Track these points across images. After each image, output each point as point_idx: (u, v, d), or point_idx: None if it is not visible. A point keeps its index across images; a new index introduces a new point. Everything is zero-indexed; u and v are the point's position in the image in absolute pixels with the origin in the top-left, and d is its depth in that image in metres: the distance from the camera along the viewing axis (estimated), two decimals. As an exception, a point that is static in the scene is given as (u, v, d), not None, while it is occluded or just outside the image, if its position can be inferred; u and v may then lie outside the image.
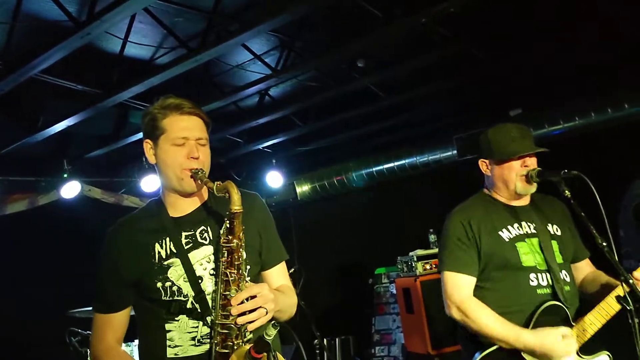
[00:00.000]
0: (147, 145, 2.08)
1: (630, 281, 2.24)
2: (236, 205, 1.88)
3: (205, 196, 2.13)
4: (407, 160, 6.90)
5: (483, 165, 2.76)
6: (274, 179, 7.62)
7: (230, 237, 1.90)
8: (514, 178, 2.63)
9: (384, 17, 4.18)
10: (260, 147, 7.19)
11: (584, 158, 3.99)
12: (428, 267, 5.67)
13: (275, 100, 6.12)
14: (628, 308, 2.23)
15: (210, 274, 1.99)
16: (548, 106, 5.75)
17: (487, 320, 2.48)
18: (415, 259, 5.70)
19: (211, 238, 2.04)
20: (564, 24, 4.61)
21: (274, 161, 7.65)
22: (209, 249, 2.02)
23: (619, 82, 5.16)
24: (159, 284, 1.97)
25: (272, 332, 1.65)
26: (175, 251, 2.00)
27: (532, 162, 2.63)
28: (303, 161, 7.92)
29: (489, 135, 2.72)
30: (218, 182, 1.93)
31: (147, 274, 1.99)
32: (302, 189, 8.09)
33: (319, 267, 7.13)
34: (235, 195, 1.89)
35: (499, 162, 2.67)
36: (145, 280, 1.99)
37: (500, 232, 2.61)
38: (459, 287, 2.58)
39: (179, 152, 2.00)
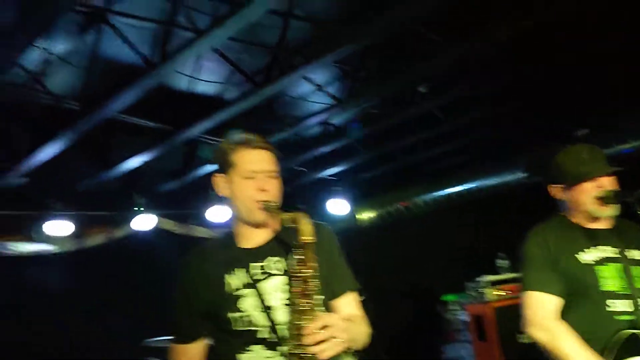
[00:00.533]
0: (219, 179, 2.14)
1: None
2: (307, 236, 1.91)
3: (277, 227, 2.15)
4: (473, 184, 6.78)
5: (553, 190, 2.69)
6: (338, 207, 7.65)
7: (302, 267, 1.92)
8: (588, 201, 2.54)
9: (444, 42, 4.18)
10: (323, 175, 7.25)
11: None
12: (501, 293, 5.53)
13: (337, 128, 6.18)
14: None
15: (283, 304, 2.00)
16: (616, 124, 5.55)
17: (571, 348, 2.36)
18: (486, 285, 5.57)
19: (281, 269, 2.06)
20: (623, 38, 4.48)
21: (337, 189, 7.69)
22: (281, 280, 2.03)
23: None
24: (232, 315, 1.99)
25: (349, 362, 1.65)
26: (247, 282, 2.03)
27: (606, 183, 2.53)
28: (366, 188, 7.92)
29: (558, 159, 2.64)
30: (289, 213, 1.97)
31: (220, 305, 2.02)
32: (366, 215, 8.07)
33: (386, 295, 7.05)
34: (306, 226, 1.91)
35: (571, 186, 2.59)
36: (217, 311, 2.02)
37: (577, 255, 2.51)
38: (545, 307, 2.47)
39: (249, 185, 2.04)
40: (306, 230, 1.91)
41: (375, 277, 7.41)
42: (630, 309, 2.41)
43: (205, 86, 4.79)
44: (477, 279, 5.65)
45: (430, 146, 6.56)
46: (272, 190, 2.06)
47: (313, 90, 5.10)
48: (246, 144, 2.09)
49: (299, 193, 7.58)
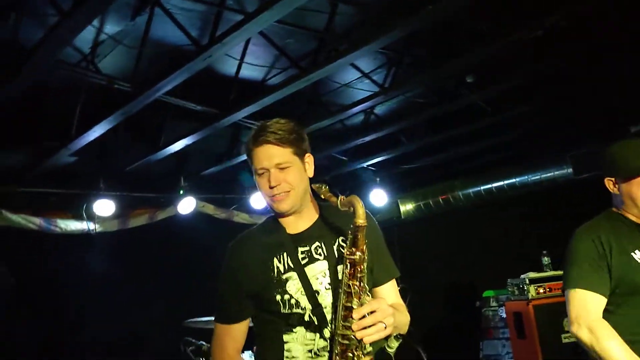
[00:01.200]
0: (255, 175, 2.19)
1: None
2: (361, 219, 1.92)
3: (317, 213, 2.19)
4: (517, 179, 6.66)
5: (609, 183, 2.60)
6: (378, 197, 7.61)
7: (353, 250, 1.93)
8: None
9: (491, 32, 4.09)
10: (364, 165, 7.22)
11: None
12: (542, 290, 5.42)
13: (380, 118, 6.14)
14: None
15: (326, 289, 2.04)
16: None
17: (617, 352, 2.31)
18: (527, 282, 5.46)
19: (325, 254, 2.09)
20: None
21: (377, 179, 7.65)
22: (324, 264, 2.07)
23: None
24: (278, 297, 2.03)
25: (394, 345, 1.66)
26: (292, 265, 2.06)
27: None
28: (407, 179, 7.86)
29: (613, 151, 2.57)
30: (342, 197, 1.98)
31: (267, 287, 2.05)
32: (406, 207, 8.03)
33: (424, 288, 7.01)
34: (360, 209, 1.92)
35: (626, 179, 2.51)
36: (265, 293, 2.06)
37: (632, 254, 2.44)
38: (590, 306, 2.42)
39: (262, 182, 2.09)
40: (360, 213, 1.92)
41: (415, 270, 7.38)
42: None
43: (251, 70, 4.81)
44: (523, 276, 5.55)
45: (475, 139, 6.45)
46: (284, 181, 2.06)
47: (358, 77, 5.06)
48: (254, 141, 2.09)
49: (339, 182, 7.58)
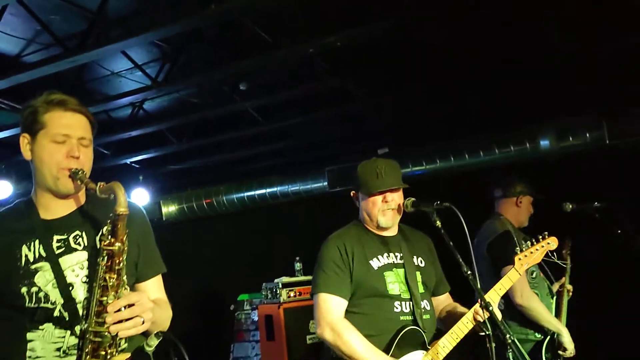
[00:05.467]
0: (24, 140, 1.94)
1: (490, 308, 2.43)
2: (122, 207, 1.80)
3: (83, 199, 2.03)
4: (278, 188, 6.99)
5: (354, 196, 2.91)
6: (139, 197, 7.30)
7: (112, 240, 1.80)
8: (376, 213, 2.77)
9: (273, 43, 4.24)
10: (127, 161, 6.87)
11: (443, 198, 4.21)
12: (292, 294, 5.71)
13: (149, 114, 5.91)
14: (486, 333, 2.44)
15: (83, 282, 1.88)
16: (413, 147, 6.15)
17: (356, 343, 2.57)
18: (280, 286, 5.71)
19: (86, 244, 1.93)
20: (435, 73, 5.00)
21: (140, 177, 7.34)
22: (83, 255, 1.91)
23: (478, 129, 5.67)
24: (24, 289, 1.82)
25: (153, 343, 1.57)
26: (44, 255, 1.87)
27: (393, 199, 2.76)
28: (172, 180, 7.69)
29: (359, 168, 2.85)
30: (102, 183, 1.84)
31: (11, 278, 1.83)
32: (169, 209, 7.83)
33: (182, 292, 6.87)
34: (122, 197, 1.81)
35: (364, 195, 2.81)
36: (8, 284, 1.83)
37: (370, 261, 2.74)
38: (333, 308, 2.66)
39: (57, 150, 1.89)
40: (122, 201, 1.80)
41: (173, 274, 7.19)
42: (411, 309, 2.69)
43: (5, 41, 4.25)
44: (276, 280, 5.79)
45: (245, 145, 6.60)
46: (83, 158, 1.91)
47: (129, 67, 4.81)
48: (60, 104, 1.92)
49: (98, 176, 7.07)
